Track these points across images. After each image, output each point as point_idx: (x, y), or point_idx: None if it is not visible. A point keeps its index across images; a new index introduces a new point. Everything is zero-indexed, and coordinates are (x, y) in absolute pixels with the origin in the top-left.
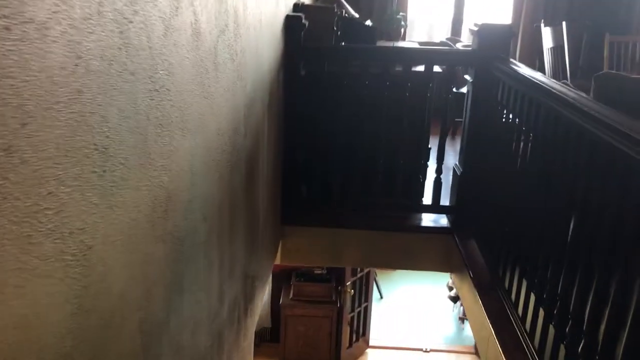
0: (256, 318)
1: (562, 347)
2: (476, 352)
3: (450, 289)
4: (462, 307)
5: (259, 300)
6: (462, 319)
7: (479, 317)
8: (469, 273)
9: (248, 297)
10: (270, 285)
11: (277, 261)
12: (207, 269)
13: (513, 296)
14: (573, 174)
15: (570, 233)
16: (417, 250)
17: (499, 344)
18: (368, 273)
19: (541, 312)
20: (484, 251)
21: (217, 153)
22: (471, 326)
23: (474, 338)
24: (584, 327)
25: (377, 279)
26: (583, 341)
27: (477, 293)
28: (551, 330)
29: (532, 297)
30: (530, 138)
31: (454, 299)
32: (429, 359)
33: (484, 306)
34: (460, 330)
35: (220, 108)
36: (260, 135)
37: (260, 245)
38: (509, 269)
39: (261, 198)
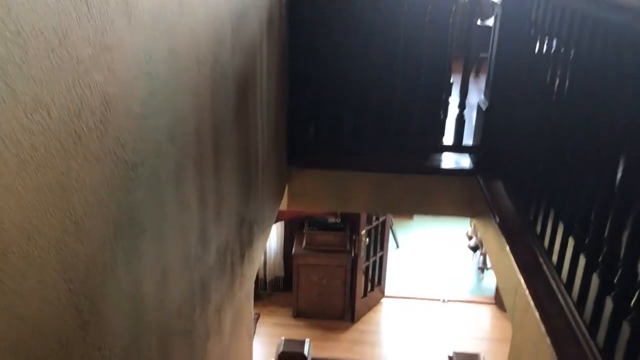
0: (256, 266)
1: (608, 299)
2: (496, 303)
3: (470, 238)
4: (481, 257)
5: (260, 246)
6: (481, 269)
7: (505, 265)
8: (495, 218)
9: (245, 243)
10: (283, 233)
11: (284, 206)
12: (179, 205)
13: (546, 242)
14: (625, 103)
15: (620, 169)
16: (435, 194)
17: (530, 294)
18: (384, 222)
19: (581, 260)
20: (511, 194)
21: (191, 62)
22: (496, 275)
23: (499, 288)
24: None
25: (393, 227)
26: (638, 293)
27: (504, 239)
28: (594, 280)
29: (571, 243)
30: (571, 62)
31: (474, 249)
32: (446, 309)
33: (512, 254)
34: (479, 280)
35: (192, 6)
36: (257, 58)
37: (260, 186)
38: (542, 213)
39: (260, 133)
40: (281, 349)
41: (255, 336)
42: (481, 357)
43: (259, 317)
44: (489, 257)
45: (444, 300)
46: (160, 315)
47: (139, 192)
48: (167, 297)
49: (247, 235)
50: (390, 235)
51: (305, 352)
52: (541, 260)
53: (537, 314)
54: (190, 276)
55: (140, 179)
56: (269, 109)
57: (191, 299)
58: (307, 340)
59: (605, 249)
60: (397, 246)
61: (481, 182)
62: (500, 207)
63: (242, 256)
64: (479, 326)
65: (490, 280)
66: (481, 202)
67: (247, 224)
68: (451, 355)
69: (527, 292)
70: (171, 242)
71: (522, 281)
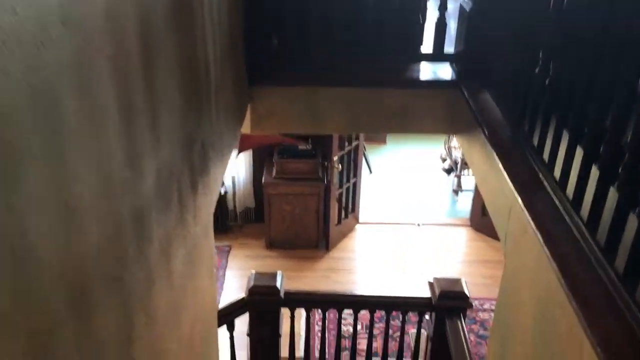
0: (215, 196)
1: (632, 217)
2: (471, 225)
3: (444, 160)
4: (456, 179)
5: (218, 174)
6: (456, 192)
7: (496, 184)
8: (484, 131)
9: (197, 169)
10: (251, 163)
11: (247, 130)
12: (87, 114)
13: (546, 155)
14: None
15: None
16: (414, 109)
17: (529, 214)
18: (357, 147)
19: (594, 172)
20: (501, 104)
21: None
22: (485, 197)
23: (489, 211)
24: None
25: (366, 153)
26: None
27: (495, 155)
28: (612, 195)
29: (579, 153)
30: None
31: (448, 171)
32: (422, 233)
33: (505, 170)
34: (454, 203)
35: None
36: None
37: (213, 104)
38: (540, 122)
39: (211, 42)
40: (252, 283)
41: (227, 270)
42: (463, 282)
43: (230, 249)
44: (476, 177)
45: (418, 225)
46: (66, 259)
47: (9, 93)
48: (77, 236)
49: (200, 161)
50: (363, 161)
51: (278, 284)
52: (541, 176)
53: (538, 236)
54: (115, 207)
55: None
56: (221, 14)
57: (118, 236)
58: (279, 273)
59: (626, 156)
60: (370, 172)
61: (465, 93)
62: (489, 120)
63: (195, 185)
64: (455, 249)
65: (465, 202)
66: (465, 116)
67: (199, 148)
68: (431, 281)
69: (525, 212)
70: (76, 164)
71: (519, 200)
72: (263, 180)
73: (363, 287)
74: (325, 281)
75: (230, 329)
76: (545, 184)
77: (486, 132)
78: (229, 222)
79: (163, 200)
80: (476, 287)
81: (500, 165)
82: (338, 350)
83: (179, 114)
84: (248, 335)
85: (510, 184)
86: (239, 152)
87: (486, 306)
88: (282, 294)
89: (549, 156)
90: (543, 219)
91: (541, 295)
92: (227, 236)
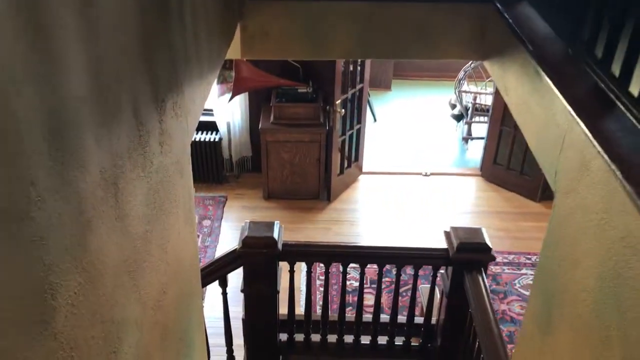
0: (193, 123)
1: None
2: (482, 174)
3: (453, 106)
4: (466, 126)
5: (197, 95)
6: (466, 139)
7: (542, 110)
8: (527, 47)
9: (163, 81)
10: (247, 108)
11: (237, 54)
12: None
13: (617, 66)
14: None
15: None
16: (435, 28)
17: (598, 142)
18: (361, 90)
19: None
20: (548, 12)
21: None
22: (525, 130)
23: (531, 147)
24: None
25: (370, 100)
26: None
27: (542, 74)
28: None
29: None
30: None
31: (457, 117)
32: (429, 183)
33: (558, 90)
34: (463, 151)
35: None
36: None
37: (187, 14)
38: (607, 24)
39: None
40: (246, 234)
41: (222, 221)
42: (483, 232)
43: (226, 200)
44: (512, 108)
45: (425, 174)
46: None
47: None
48: None
49: (166, 70)
50: (368, 109)
51: (275, 235)
52: (610, 94)
53: (612, 168)
54: (11, 103)
55: None
56: None
57: (18, 148)
58: (276, 223)
59: None
60: (375, 120)
61: (499, 5)
62: (532, 34)
63: (160, 100)
64: (465, 199)
65: (475, 151)
66: (499, 33)
67: (163, 53)
68: (448, 230)
69: (591, 140)
70: None
71: (581, 125)
72: (260, 126)
73: (367, 239)
74: (326, 233)
75: (223, 284)
76: (619, 104)
77: (530, 48)
78: (225, 172)
79: (104, 109)
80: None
81: (551, 85)
82: (342, 306)
83: (137, 19)
84: (242, 291)
85: (567, 106)
86: (233, 95)
87: (498, 259)
88: (279, 246)
89: (622, 68)
90: (618, 146)
91: (613, 247)
92: (222, 187)
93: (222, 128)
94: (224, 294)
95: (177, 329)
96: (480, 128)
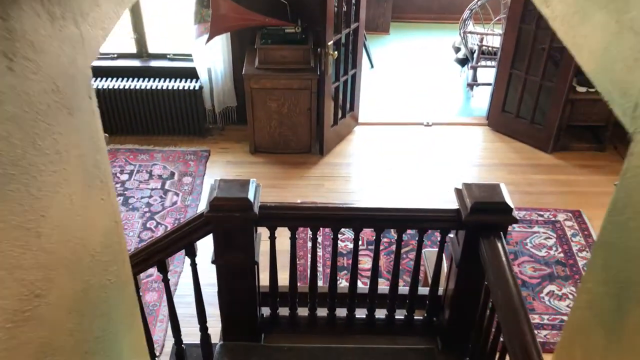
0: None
1: None
2: (489, 124)
3: (457, 50)
4: (471, 71)
5: (105, 7)
6: (471, 86)
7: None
8: None
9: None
10: (230, 52)
11: None
12: None
13: None
14: None
15: None
16: None
17: None
18: (356, 30)
19: None
20: None
21: None
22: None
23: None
24: None
25: (367, 44)
26: None
27: None
28: None
29: None
30: None
31: (462, 62)
32: (431, 133)
33: None
34: (468, 99)
35: None
36: None
37: None
38: None
39: None
40: (214, 194)
41: (205, 177)
42: (503, 188)
43: (208, 155)
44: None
45: (427, 124)
46: None
47: None
48: None
49: None
50: (364, 53)
51: (250, 196)
52: None
53: None
54: None
55: None
56: None
57: None
58: (252, 181)
59: None
60: (372, 66)
61: None
62: None
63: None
64: (470, 151)
65: (481, 98)
66: None
67: None
68: (460, 187)
69: None
70: None
71: None
72: (243, 72)
73: (363, 198)
74: (318, 190)
75: (191, 254)
76: None
77: None
78: (208, 124)
79: None
80: None
81: None
82: (334, 276)
83: None
84: (213, 262)
85: None
86: (210, 36)
87: None
88: (256, 209)
89: None
90: None
91: None
92: (205, 140)
93: (203, 75)
94: (193, 265)
95: (75, 342)
96: (487, 73)
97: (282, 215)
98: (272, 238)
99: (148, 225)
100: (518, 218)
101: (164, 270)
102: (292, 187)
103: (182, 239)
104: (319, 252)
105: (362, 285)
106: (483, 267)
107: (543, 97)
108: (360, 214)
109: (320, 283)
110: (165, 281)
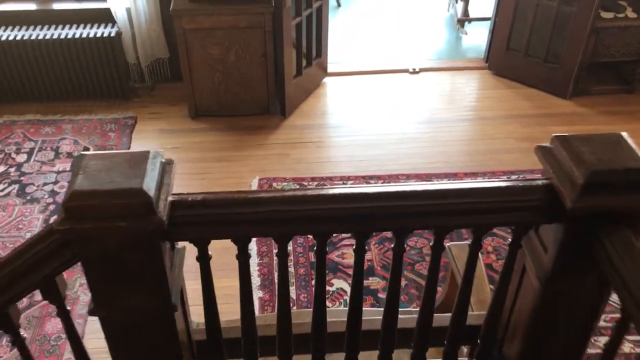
0: None
1: None
2: (489, 67)
3: None
4: (461, 3)
5: None
6: (461, 22)
7: None
8: None
9: None
10: None
11: None
12: None
13: None
14: None
15: None
16: None
17: None
18: None
19: None
20: None
21: None
22: None
23: None
24: None
25: None
26: None
27: None
28: None
29: None
30: None
31: None
32: (418, 81)
33: None
34: (459, 38)
35: None
36: None
37: None
38: None
39: None
40: (74, 186)
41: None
42: (628, 139)
43: (135, 123)
44: None
45: (413, 70)
46: None
47: None
48: None
49: None
50: None
51: (150, 184)
52: None
53: None
54: None
55: None
56: None
57: None
58: (153, 154)
59: None
60: (338, 4)
61: None
62: None
63: None
64: (468, 100)
65: (475, 37)
66: None
67: None
68: (547, 145)
69: None
70: None
71: None
72: (172, 7)
73: (341, 168)
74: (283, 161)
75: (48, 294)
76: None
77: None
78: (132, 82)
79: None
80: (510, 155)
81: None
82: (320, 307)
83: None
84: (90, 313)
85: None
86: None
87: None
88: (162, 210)
89: None
90: None
91: None
92: (129, 104)
93: (121, 17)
94: (62, 312)
95: None
96: (481, 5)
97: (217, 218)
98: (204, 259)
99: (52, 222)
100: None
101: (10, 328)
102: (247, 160)
103: (23, 277)
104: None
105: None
106: (607, 280)
107: (558, 29)
108: (379, 205)
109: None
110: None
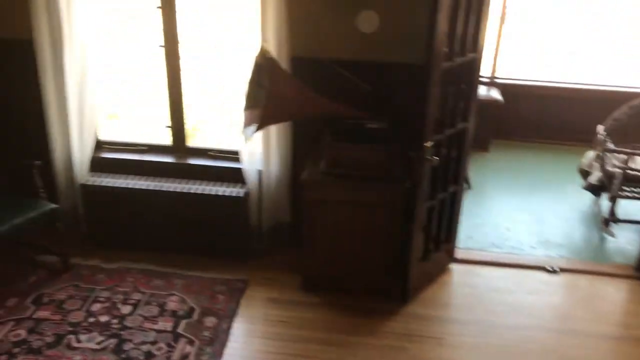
0: None
1: None
2: (638, 277)
3: (586, 174)
4: (608, 203)
5: None
6: (606, 222)
7: None
8: None
9: None
10: (290, 148)
11: None
12: None
13: None
14: None
15: None
16: None
17: None
18: (463, 132)
19: None
20: None
21: None
22: None
23: None
24: None
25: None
26: None
27: None
28: None
29: None
30: None
31: (595, 189)
32: (557, 282)
33: None
34: (602, 240)
35: None
36: None
37: None
38: None
39: None
40: None
41: (233, 321)
42: None
43: (245, 287)
44: None
45: (552, 269)
46: None
47: None
48: None
49: None
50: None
51: None
52: None
53: None
54: None
55: None
56: None
57: None
58: None
59: None
60: (469, 186)
61: None
62: None
63: None
64: (612, 314)
65: (623, 239)
66: None
67: None
68: None
69: None
70: None
71: None
72: (303, 177)
73: None
74: (398, 356)
75: None
76: None
77: None
78: (251, 244)
79: None
80: None
81: None
82: None
83: None
84: None
85: None
86: (262, 122)
87: None
88: None
89: None
90: None
91: None
92: (243, 266)
93: (252, 179)
94: None
95: None
96: (632, 206)
97: None
98: None
99: None
100: None
101: None
102: (357, 348)
103: None
104: None
105: None
106: None
107: None
108: None
109: None
110: None
